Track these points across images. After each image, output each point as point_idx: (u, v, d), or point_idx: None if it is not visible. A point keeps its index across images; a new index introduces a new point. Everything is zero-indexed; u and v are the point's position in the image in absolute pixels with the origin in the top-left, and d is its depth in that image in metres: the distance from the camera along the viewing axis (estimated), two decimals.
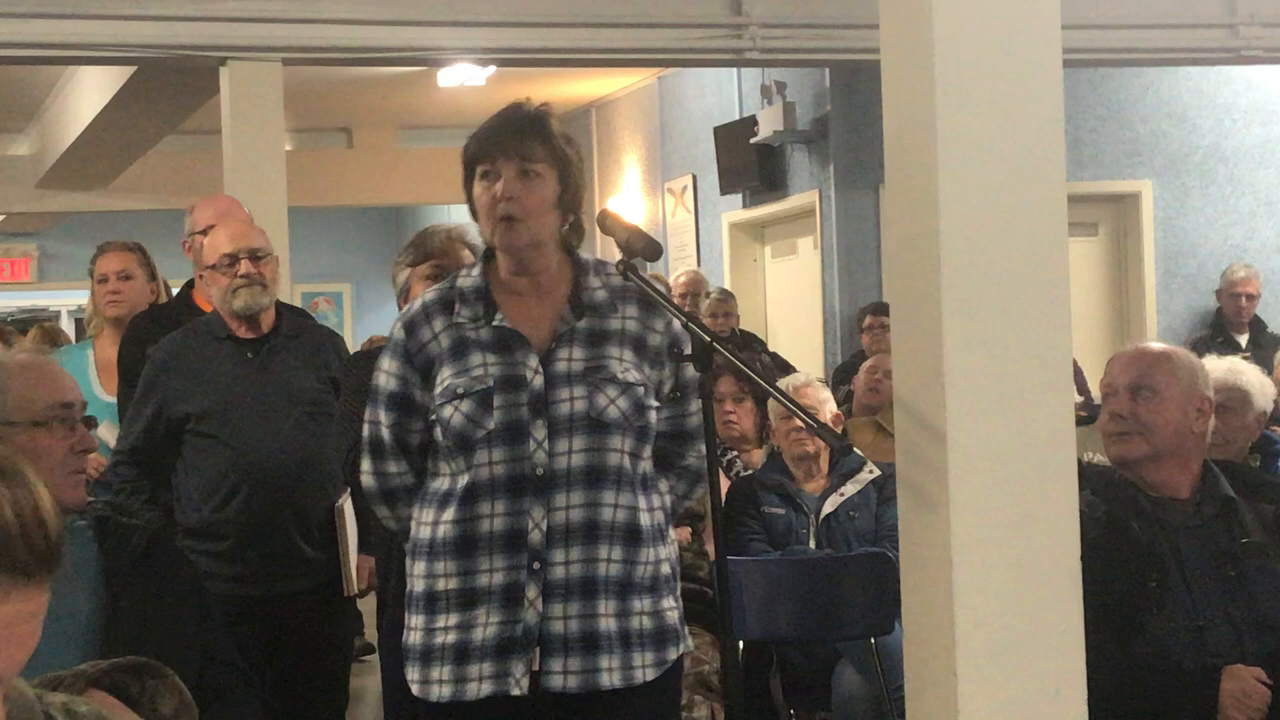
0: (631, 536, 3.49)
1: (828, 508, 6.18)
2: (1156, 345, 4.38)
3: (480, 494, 3.46)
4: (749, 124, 12.05)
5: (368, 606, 5.35)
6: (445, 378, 3.51)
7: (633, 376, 3.50)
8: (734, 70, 12.24)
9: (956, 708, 3.48)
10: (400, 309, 4.73)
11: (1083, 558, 3.59)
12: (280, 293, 5.51)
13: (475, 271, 3.60)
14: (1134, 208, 11.82)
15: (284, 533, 5.21)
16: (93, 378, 6.37)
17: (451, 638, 3.49)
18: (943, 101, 3.51)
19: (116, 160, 13.61)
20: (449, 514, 3.49)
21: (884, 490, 6.14)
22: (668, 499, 3.63)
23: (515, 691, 3.43)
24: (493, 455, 3.45)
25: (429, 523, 3.53)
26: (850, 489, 6.22)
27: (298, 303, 11.25)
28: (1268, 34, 9.75)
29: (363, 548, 5.38)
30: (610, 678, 3.45)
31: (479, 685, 3.45)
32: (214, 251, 5.30)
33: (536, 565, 3.44)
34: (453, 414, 3.47)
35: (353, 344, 9.32)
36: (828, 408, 6.45)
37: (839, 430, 6.49)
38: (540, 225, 3.51)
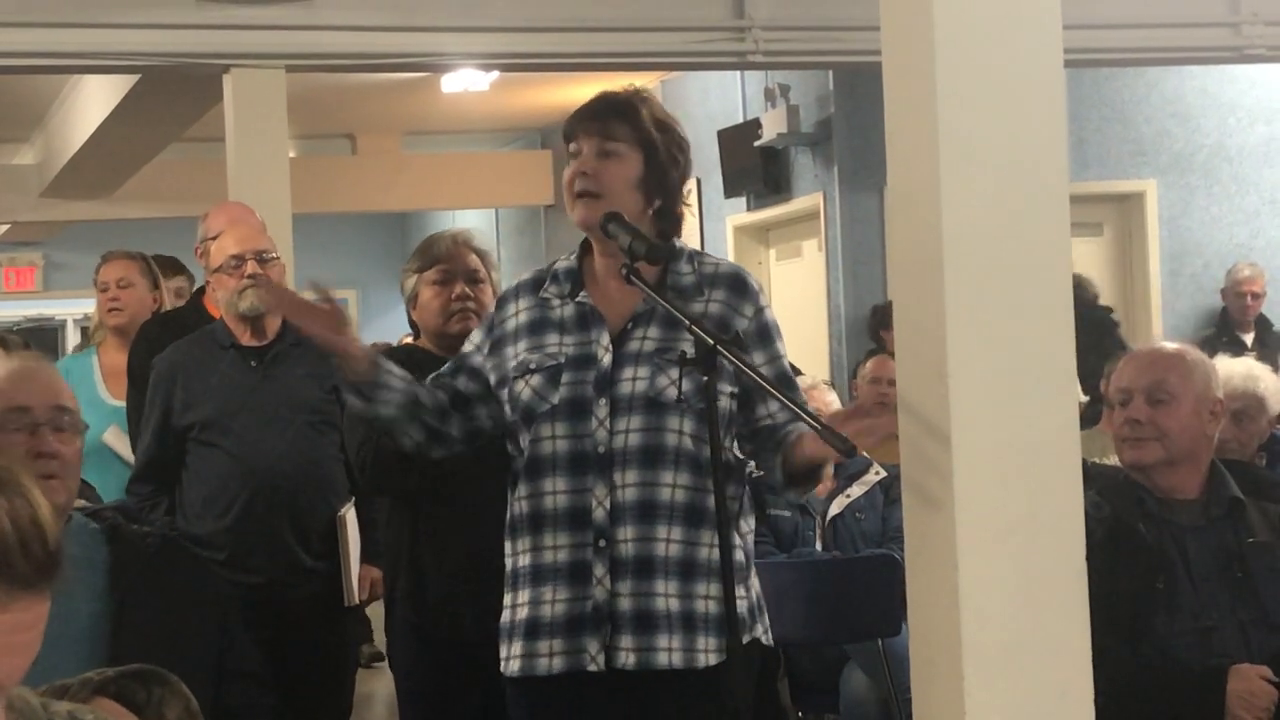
0: (693, 517, 3.48)
1: (834, 510, 6.18)
2: (1170, 346, 4.36)
3: (543, 469, 3.52)
4: (753, 127, 12.05)
5: (375, 613, 5.35)
6: (520, 352, 3.59)
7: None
8: (737, 73, 12.23)
9: (963, 709, 3.47)
10: (409, 315, 4.77)
11: (1088, 559, 3.58)
12: None
13: (574, 255, 3.68)
14: (1138, 207, 11.82)
15: (283, 541, 5.21)
16: (99, 383, 6.39)
17: (523, 614, 3.53)
18: (944, 102, 3.51)
19: (121, 169, 13.61)
20: (520, 490, 3.56)
21: (890, 492, 6.14)
22: (745, 489, 3.61)
23: (592, 668, 3.47)
24: (555, 430, 3.51)
25: (510, 501, 3.61)
26: (856, 491, 6.22)
27: None
28: (1271, 32, 9.72)
29: (369, 557, 5.39)
30: (670, 658, 3.46)
31: (549, 660, 3.49)
32: (221, 254, 5.32)
33: (602, 543, 3.47)
34: (523, 389, 3.55)
35: None
36: (833, 408, 6.45)
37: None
38: (617, 204, 3.55)
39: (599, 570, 3.47)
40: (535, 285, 3.67)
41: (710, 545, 3.49)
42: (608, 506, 3.47)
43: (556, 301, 3.63)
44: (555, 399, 3.52)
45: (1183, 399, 4.14)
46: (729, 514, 3.42)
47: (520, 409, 3.56)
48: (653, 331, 3.55)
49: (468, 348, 3.72)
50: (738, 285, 3.62)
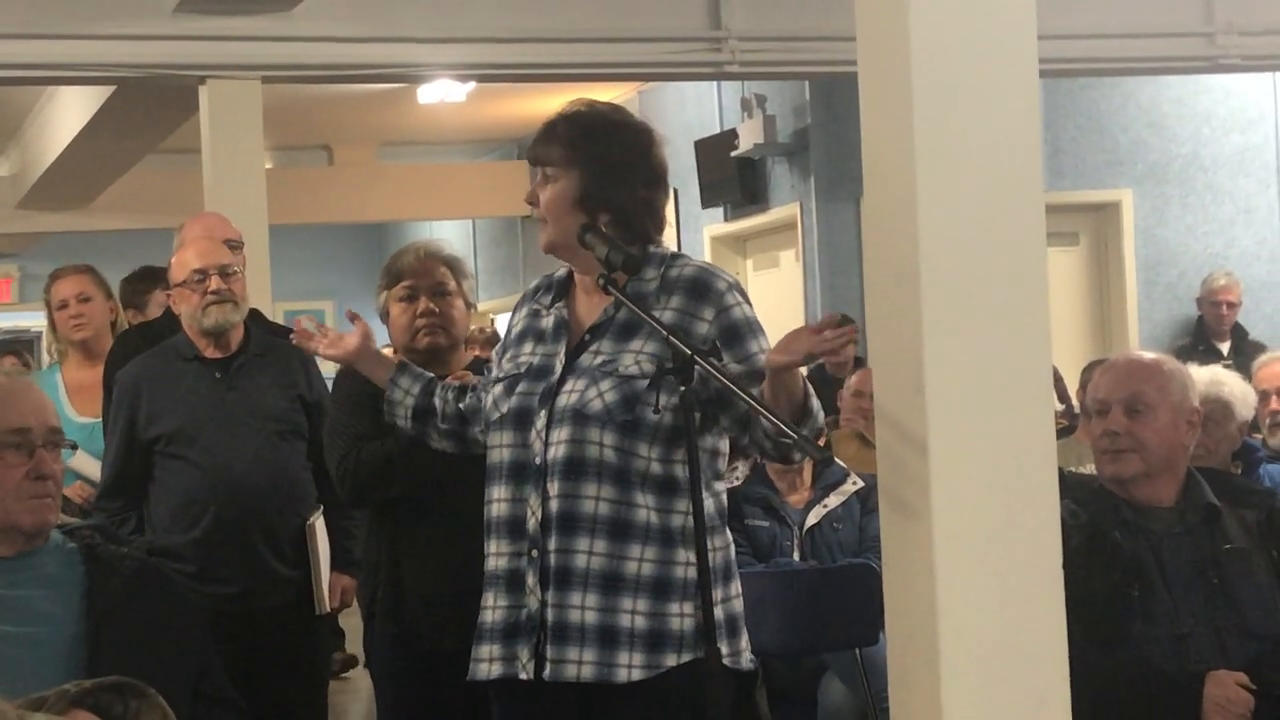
0: (618, 530, 3.47)
1: (811, 519, 6.18)
2: (1147, 356, 4.36)
3: (493, 477, 3.62)
4: (729, 137, 12.06)
5: (351, 623, 5.35)
6: (503, 361, 3.70)
7: (636, 370, 3.49)
8: (714, 84, 12.25)
9: (941, 717, 3.48)
10: (388, 331, 4.76)
11: (1065, 566, 3.59)
12: (262, 311, 5.49)
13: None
14: (1114, 217, 11.84)
15: (254, 551, 5.21)
16: (64, 401, 6.36)
17: (480, 617, 3.62)
18: (920, 113, 3.52)
19: (96, 180, 13.58)
20: (485, 495, 3.65)
21: (867, 501, 6.15)
22: (709, 504, 3.53)
23: (523, 676, 3.50)
24: (503, 439, 3.60)
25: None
26: (834, 500, 6.23)
27: (279, 321, 11.24)
28: (1245, 42, 9.77)
29: (344, 566, 5.38)
30: (580, 670, 3.46)
31: (489, 666, 3.56)
32: (183, 268, 5.30)
33: (535, 552, 3.50)
34: (487, 397, 3.69)
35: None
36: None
37: (821, 442, 6.49)
38: (559, 226, 3.59)
39: (530, 580, 3.51)
40: (534, 292, 3.75)
41: (640, 560, 3.47)
42: (539, 516, 3.51)
43: (544, 311, 3.69)
44: (504, 409, 3.60)
45: (1160, 410, 4.14)
46: (655, 525, 3.46)
47: (483, 417, 3.72)
48: (605, 345, 3.56)
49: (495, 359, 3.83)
50: (697, 289, 3.56)
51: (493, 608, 3.57)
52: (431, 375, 4.04)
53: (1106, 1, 9.48)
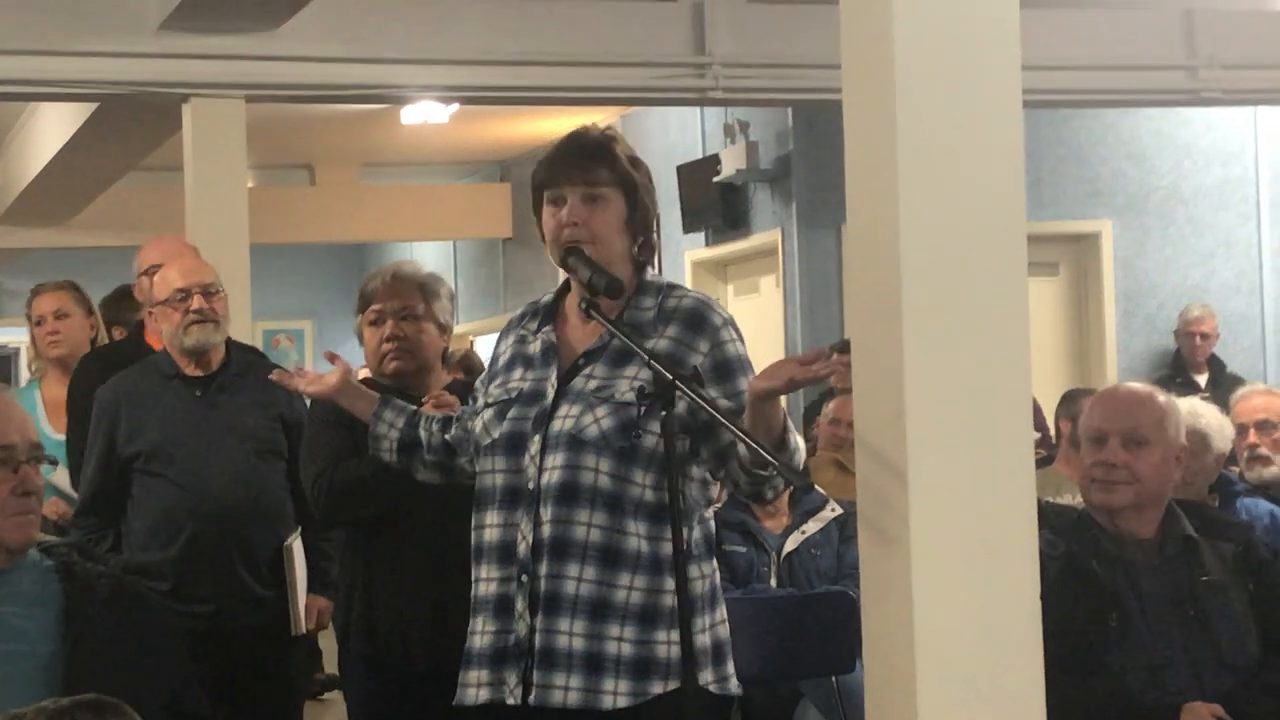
0: (609, 557, 3.47)
1: (789, 545, 6.19)
2: (1142, 388, 4.36)
3: (484, 502, 3.60)
4: (712, 163, 12.07)
5: (329, 644, 5.34)
6: (490, 387, 3.67)
7: (632, 396, 3.49)
8: (697, 109, 12.27)
9: None
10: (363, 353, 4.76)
11: (1042, 596, 3.59)
12: (241, 330, 5.49)
13: (559, 288, 3.71)
14: (1094, 247, 11.88)
15: (231, 570, 5.20)
16: (42, 418, 6.35)
17: (468, 642, 3.60)
18: (904, 141, 3.53)
19: (78, 197, 13.56)
20: (472, 521, 3.63)
21: (846, 528, 6.16)
22: (695, 532, 3.55)
23: (510, 701, 3.49)
24: (495, 464, 3.58)
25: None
26: (812, 527, 6.23)
27: (258, 340, 11.23)
28: (1227, 76, 9.82)
29: (316, 587, 5.37)
30: (566, 697, 3.45)
31: (477, 691, 3.55)
32: (165, 287, 5.29)
33: (524, 578, 3.49)
34: (478, 423, 3.66)
35: None
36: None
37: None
38: (608, 248, 3.59)
39: (519, 605, 3.50)
40: (520, 319, 3.74)
41: (629, 588, 3.47)
42: (530, 542, 3.49)
43: (531, 337, 3.67)
44: (496, 434, 3.58)
45: (1156, 444, 4.15)
46: (646, 553, 3.47)
47: (473, 442, 3.69)
48: (598, 370, 3.56)
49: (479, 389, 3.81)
50: (694, 321, 3.59)
51: (480, 633, 3.56)
52: (415, 408, 4.03)
53: (1089, 33, 9.52)
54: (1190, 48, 9.75)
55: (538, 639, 3.48)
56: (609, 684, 3.45)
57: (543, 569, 3.48)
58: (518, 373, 3.64)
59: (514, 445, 3.55)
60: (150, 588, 4.92)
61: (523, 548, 3.50)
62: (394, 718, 4.52)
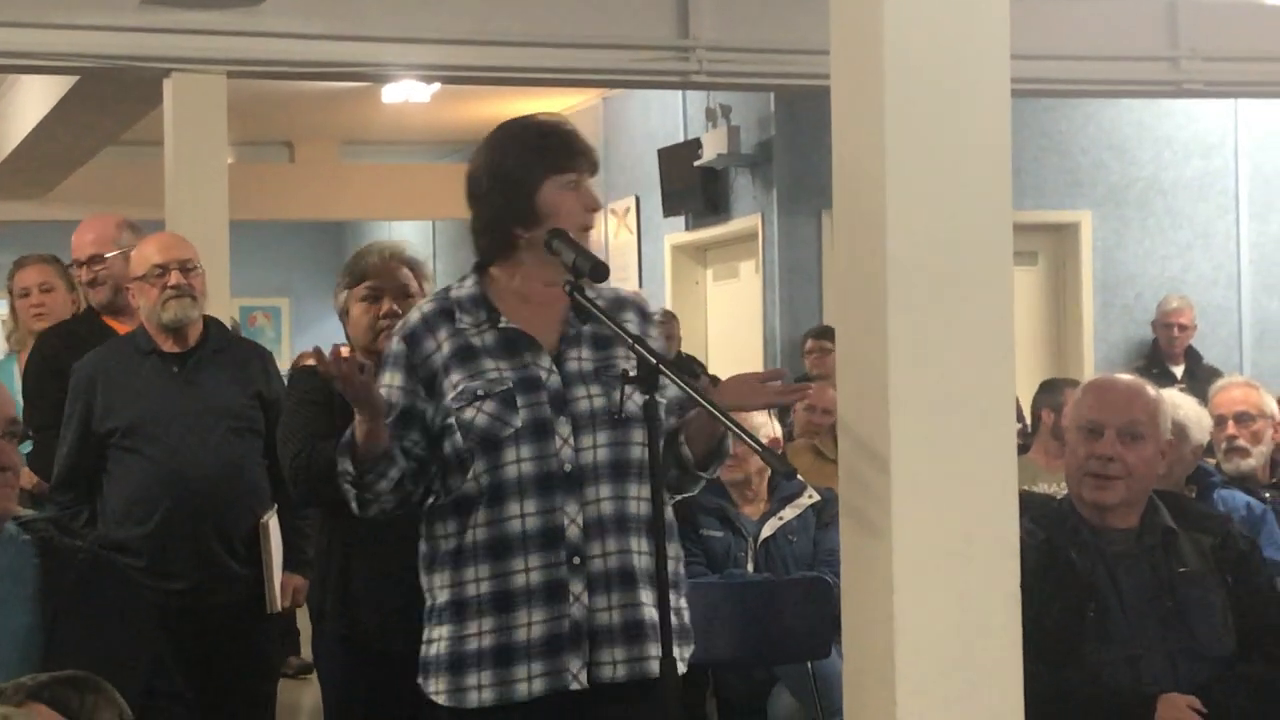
0: (652, 529, 3.48)
1: (766, 531, 6.19)
2: (1133, 380, 4.34)
3: (508, 494, 3.48)
4: (693, 146, 12.07)
5: (306, 627, 5.34)
6: (456, 382, 3.52)
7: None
8: (679, 93, 12.26)
9: None
10: (344, 330, 4.73)
11: (1021, 585, 3.60)
12: (219, 307, 5.47)
13: (469, 282, 3.64)
14: (1073, 237, 11.90)
15: (207, 547, 5.19)
16: (19, 392, 6.33)
17: (488, 642, 3.49)
18: (891, 128, 3.53)
19: (56, 170, 13.52)
20: (476, 518, 3.50)
21: (822, 515, 6.16)
22: (668, 510, 3.59)
23: (575, 686, 3.46)
24: (520, 453, 3.48)
25: (450, 534, 3.54)
26: (789, 513, 6.23)
27: (236, 316, 11.19)
28: (1208, 68, 9.84)
29: (296, 566, 5.36)
30: (657, 666, 3.45)
31: (529, 685, 3.46)
32: (143, 262, 5.27)
33: (577, 560, 3.46)
34: (475, 415, 3.49)
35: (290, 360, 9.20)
36: (764, 431, 6.46)
37: (779, 453, 6.50)
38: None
39: (576, 587, 3.46)
40: (446, 315, 3.60)
41: (672, 557, 3.51)
42: (580, 524, 3.47)
43: (474, 329, 3.57)
44: (517, 422, 3.48)
45: (1150, 438, 4.15)
46: (669, 525, 3.49)
47: (477, 435, 3.50)
48: (585, 352, 3.57)
49: (396, 397, 3.56)
50: (643, 311, 3.67)
51: (528, 624, 3.47)
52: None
53: (1071, 23, 9.53)
54: (1173, 39, 9.77)
55: (613, 616, 3.47)
56: (678, 650, 3.49)
57: (607, 546, 3.48)
58: (488, 363, 3.53)
59: (541, 431, 3.49)
60: (125, 564, 4.94)
61: (573, 530, 3.47)
62: (369, 698, 4.52)
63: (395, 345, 3.62)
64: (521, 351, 3.55)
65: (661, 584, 3.32)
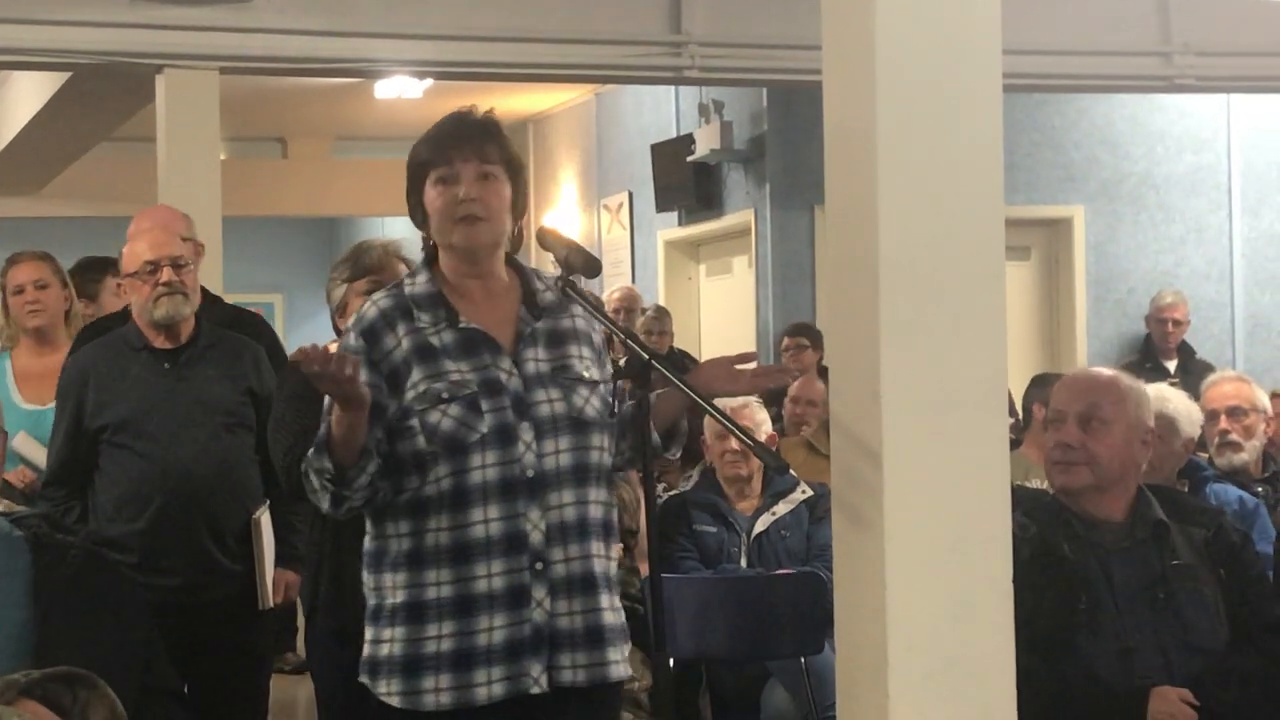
0: (608, 532, 3.55)
1: (759, 527, 6.19)
2: (1105, 372, 4.39)
3: (472, 499, 3.44)
4: (686, 142, 12.06)
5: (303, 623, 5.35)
6: (416, 382, 3.47)
7: (595, 374, 3.56)
8: (672, 88, 12.25)
9: None
10: (334, 323, 4.72)
11: (1014, 580, 3.61)
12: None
13: (421, 278, 3.59)
14: (1066, 233, 11.90)
15: (199, 543, 5.19)
16: (12, 387, 6.32)
17: (448, 645, 3.45)
18: (884, 123, 3.53)
19: (49, 166, 13.51)
20: (437, 521, 3.46)
21: (815, 510, 6.16)
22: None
23: (535, 690, 3.45)
24: (486, 458, 3.45)
25: (405, 533, 3.49)
26: (782, 509, 6.23)
27: None
28: (1201, 63, 9.84)
29: (288, 561, 5.36)
30: (616, 670, 3.52)
31: (489, 689, 3.44)
32: (135, 259, 5.27)
33: (539, 565, 3.45)
34: (440, 419, 3.45)
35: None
36: (764, 429, 6.47)
37: (774, 450, 6.51)
38: (499, 226, 3.56)
39: (539, 593, 3.45)
40: (403, 311, 3.55)
41: (613, 559, 3.57)
42: (543, 529, 3.46)
43: (431, 328, 3.53)
44: (484, 428, 3.45)
45: (1115, 425, 4.17)
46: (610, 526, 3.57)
47: (442, 439, 3.45)
48: (541, 353, 3.55)
49: (368, 395, 3.42)
50: (597, 305, 3.73)
51: (489, 629, 3.44)
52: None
53: (1063, 18, 9.53)
54: (1166, 34, 9.77)
55: (575, 621, 3.47)
56: (625, 651, 3.55)
57: (568, 551, 3.47)
58: (448, 364, 3.49)
59: (505, 437, 3.46)
60: (118, 560, 4.93)
61: (535, 536, 3.45)
62: (362, 692, 4.51)
63: (353, 341, 3.55)
64: (481, 352, 3.51)
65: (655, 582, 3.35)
